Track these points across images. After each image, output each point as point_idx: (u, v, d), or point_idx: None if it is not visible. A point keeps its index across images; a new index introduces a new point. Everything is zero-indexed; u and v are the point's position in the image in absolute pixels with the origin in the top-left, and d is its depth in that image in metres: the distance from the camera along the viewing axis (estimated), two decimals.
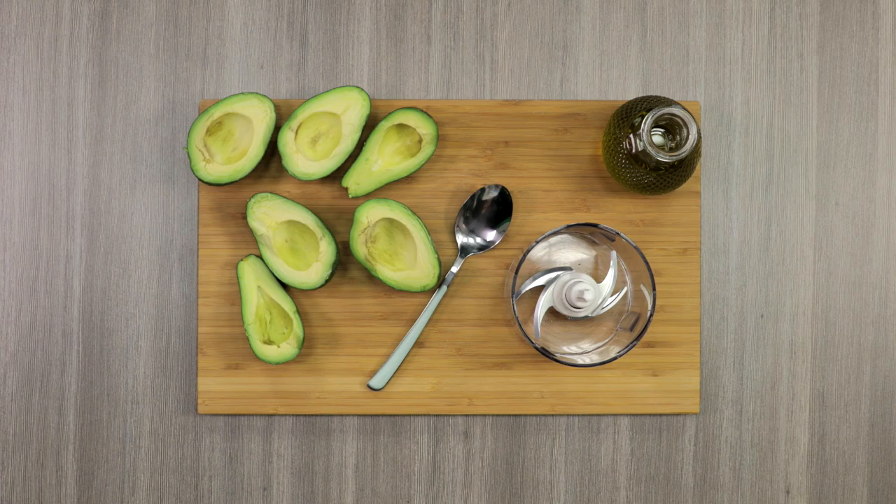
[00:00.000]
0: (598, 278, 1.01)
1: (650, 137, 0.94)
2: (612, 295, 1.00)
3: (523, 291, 1.00)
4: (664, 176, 0.97)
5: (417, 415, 1.05)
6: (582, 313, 0.98)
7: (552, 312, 1.02)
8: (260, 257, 1.02)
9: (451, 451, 1.06)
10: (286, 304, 1.01)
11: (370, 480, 1.06)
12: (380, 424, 1.06)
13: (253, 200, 1.01)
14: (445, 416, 1.05)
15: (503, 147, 1.04)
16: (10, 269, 1.05)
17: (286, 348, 1.01)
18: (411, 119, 1.01)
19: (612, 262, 0.99)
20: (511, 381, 1.04)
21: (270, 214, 1.01)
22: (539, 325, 0.98)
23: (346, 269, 1.04)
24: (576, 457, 1.05)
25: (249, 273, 1.01)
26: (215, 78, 1.06)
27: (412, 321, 1.04)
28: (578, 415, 1.05)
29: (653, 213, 1.04)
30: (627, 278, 1.00)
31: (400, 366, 1.04)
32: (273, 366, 1.03)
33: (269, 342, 1.01)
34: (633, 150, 0.96)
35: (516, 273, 0.97)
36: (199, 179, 1.01)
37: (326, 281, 1.01)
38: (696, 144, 0.94)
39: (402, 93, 1.06)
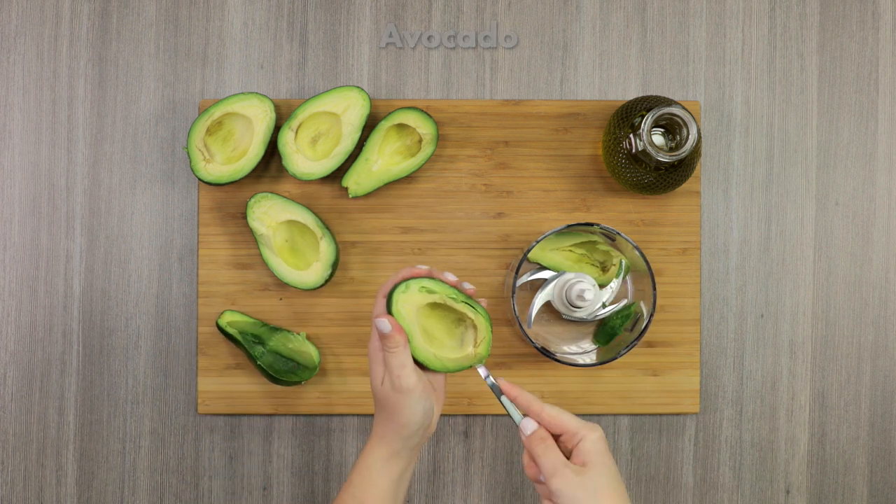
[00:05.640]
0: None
1: (650, 137, 0.94)
2: (610, 305, 1.00)
3: (526, 280, 0.99)
4: (664, 176, 0.97)
5: None
6: (579, 314, 0.98)
7: (553, 313, 1.02)
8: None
9: (451, 451, 1.06)
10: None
11: None
12: None
13: (253, 200, 1.01)
14: (445, 415, 1.05)
15: (503, 147, 1.04)
16: (10, 269, 1.05)
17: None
18: (411, 119, 1.01)
19: (618, 272, 0.99)
20: (511, 381, 1.04)
21: (270, 214, 1.01)
22: (533, 316, 0.98)
23: (347, 269, 1.04)
24: None
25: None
26: (215, 78, 1.05)
27: None
28: (578, 415, 1.05)
29: (653, 213, 1.04)
30: (629, 287, 1.00)
31: None
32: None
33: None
34: (633, 150, 0.96)
35: (516, 273, 0.97)
36: (199, 179, 1.01)
37: (326, 281, 1.01)
38: (696, 144, 0.94)
39: (402, 93, 1.06)
